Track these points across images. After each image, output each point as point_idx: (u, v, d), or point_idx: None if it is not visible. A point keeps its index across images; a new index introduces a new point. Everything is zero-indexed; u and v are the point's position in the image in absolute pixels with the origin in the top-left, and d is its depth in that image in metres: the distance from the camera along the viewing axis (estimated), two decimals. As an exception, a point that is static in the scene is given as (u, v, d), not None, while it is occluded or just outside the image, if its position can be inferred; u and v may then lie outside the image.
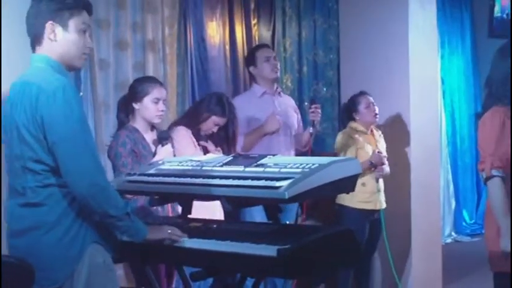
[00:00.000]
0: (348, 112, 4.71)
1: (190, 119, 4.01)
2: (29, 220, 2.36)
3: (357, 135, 4.57)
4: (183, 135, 3.90)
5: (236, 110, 4.10)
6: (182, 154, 3.69)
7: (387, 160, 4.62)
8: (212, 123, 3.97)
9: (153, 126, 3.65)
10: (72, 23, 2.42)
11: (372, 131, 4.70)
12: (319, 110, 4.47)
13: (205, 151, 3.94)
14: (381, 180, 4.61)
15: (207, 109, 3.97)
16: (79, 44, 2.44)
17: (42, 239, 2.34)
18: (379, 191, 4.58)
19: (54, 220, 2.34)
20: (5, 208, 2.49)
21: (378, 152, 4.55)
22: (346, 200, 4.51)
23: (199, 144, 3.97)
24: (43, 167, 2.33)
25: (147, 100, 3.53)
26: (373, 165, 4.49)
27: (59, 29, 2.41)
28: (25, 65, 2.52)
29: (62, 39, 2.41)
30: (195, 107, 4.19)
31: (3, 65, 3.13)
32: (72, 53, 2.44)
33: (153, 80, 3.66)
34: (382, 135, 4.78)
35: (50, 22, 2.40)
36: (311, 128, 4.49)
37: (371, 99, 4.65)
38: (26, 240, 2.36)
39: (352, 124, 4.66)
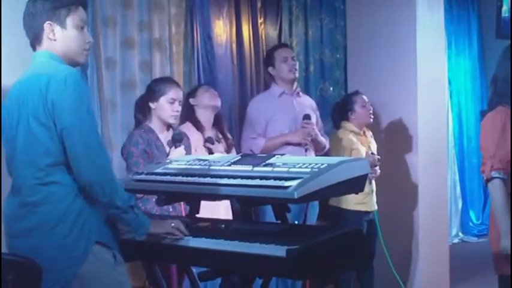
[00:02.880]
0: (342, 111, 4.66)
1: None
2: (28, 220, 2.33)
3: (351, 136, 4.54)
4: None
5: (250, 110, 4.15)
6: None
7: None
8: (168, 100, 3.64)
9: (169, 126, 3.65)
10: (70, 21, 2.43)
11: (364, 131, 4.66)
12: (313, 126, 4.41)
13: (211, 153, 3.92)
14: (373, 182, 4.57)
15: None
16: (78, 41, 2.45)
17: (44, 240, 2.31)
18: (372, 191, 4.54)
19: (55, 220, 2.30)
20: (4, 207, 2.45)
21: (372, 153, 4.52)
22: (341, 202, 4.47)
23: (204, 146, 3.97)
24: (48, 161, 2.30)
25: (163, 100, 3.57)
26: None
27: (57, 28, 2.42)
28: (25, 64, 2.50)
29: (61, 37, 2.42)
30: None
31: (3, 65, 3.12)
32: (72, 49, 2.45)
33: (170, 81, 3.71)
34: (373, 136, 4.75)
35: (48, 22, 2.40)
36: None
37: (366, 98, 4.62)
38: (27, 242, 2.33)
39: (346, 124, 4.62)
